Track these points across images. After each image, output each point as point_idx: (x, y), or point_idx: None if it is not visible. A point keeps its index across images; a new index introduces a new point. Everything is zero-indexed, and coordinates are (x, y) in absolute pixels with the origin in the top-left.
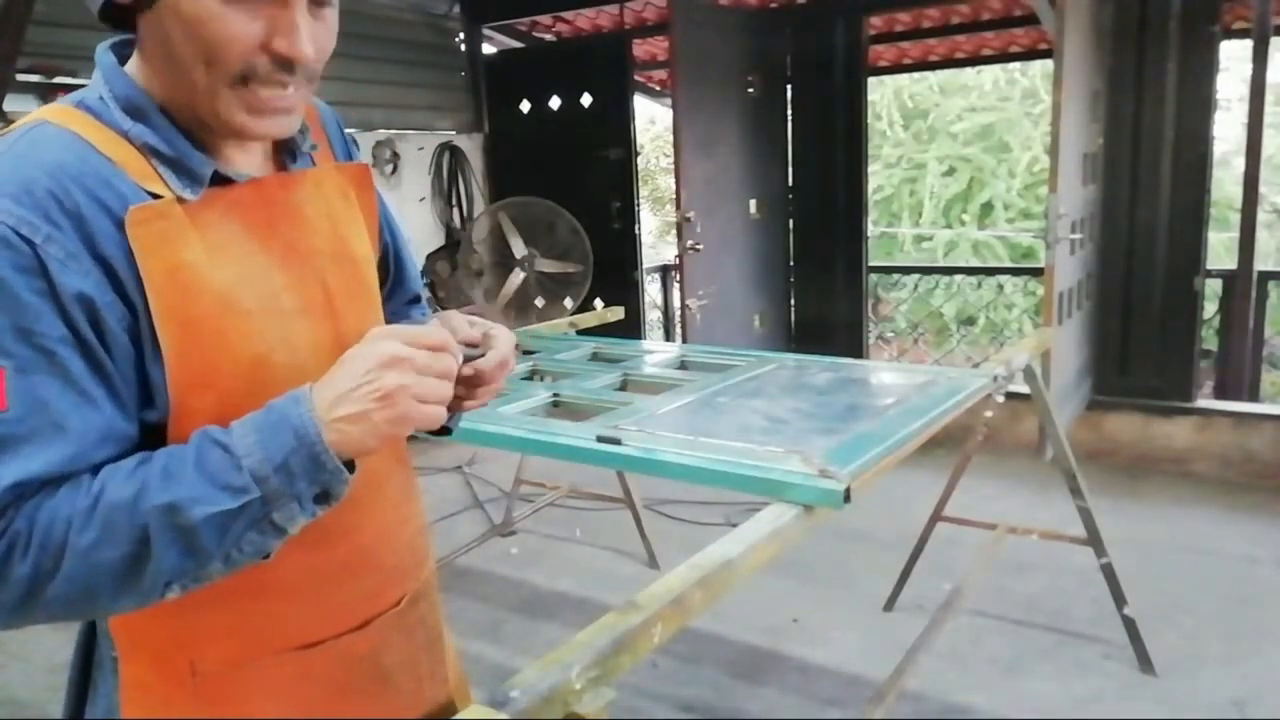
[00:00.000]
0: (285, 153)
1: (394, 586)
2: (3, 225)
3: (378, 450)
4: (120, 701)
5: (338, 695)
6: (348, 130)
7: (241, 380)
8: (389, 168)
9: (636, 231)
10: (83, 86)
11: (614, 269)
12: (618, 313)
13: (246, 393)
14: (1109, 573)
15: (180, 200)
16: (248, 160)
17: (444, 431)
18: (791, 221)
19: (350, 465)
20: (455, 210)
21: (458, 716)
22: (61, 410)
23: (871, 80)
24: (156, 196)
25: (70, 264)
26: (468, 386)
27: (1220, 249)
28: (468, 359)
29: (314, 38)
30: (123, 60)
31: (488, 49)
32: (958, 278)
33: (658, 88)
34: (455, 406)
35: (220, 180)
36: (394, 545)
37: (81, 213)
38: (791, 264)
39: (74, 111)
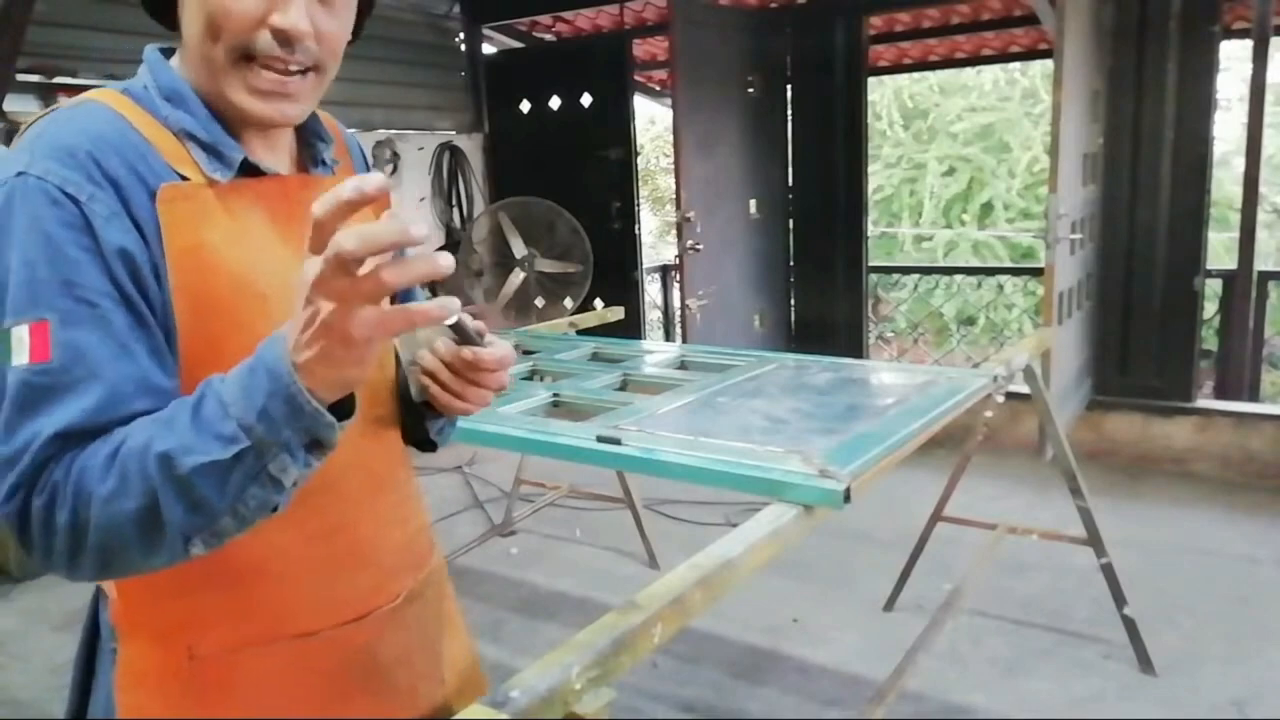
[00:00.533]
0: (308, 159)
1: (391, 583)
2: (49, 184)
3: (361, 380)
4: (115, 685)
5: (333, 686)
6: (349, 130)
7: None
8: (389, 168)
9: (636, 231)
10: (84, 87)
11: (614, 269)
12: (618, 313)
13: None
14: (1109, 573)
15: (212, 183)
16: (275, 160)
17: (430, 446)
18: (791, 221)
19: (348, 411)
20: (455, 210)
21: (458, 716)
22: (99, 360)
23: (871, 80)
24: (185, 179)
25: (113, 221)
26: (463, 374)
27: (1220, 249)
28: (468, 338)
29: (314, 18)
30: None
31: (488, 49)
32: (958, 278)
33: (658, 88)
34: (449, 408)
35: (249, 172)
36: (392, 543)
37: (119, 179)
38: (791, 264)
39: (119, 95)
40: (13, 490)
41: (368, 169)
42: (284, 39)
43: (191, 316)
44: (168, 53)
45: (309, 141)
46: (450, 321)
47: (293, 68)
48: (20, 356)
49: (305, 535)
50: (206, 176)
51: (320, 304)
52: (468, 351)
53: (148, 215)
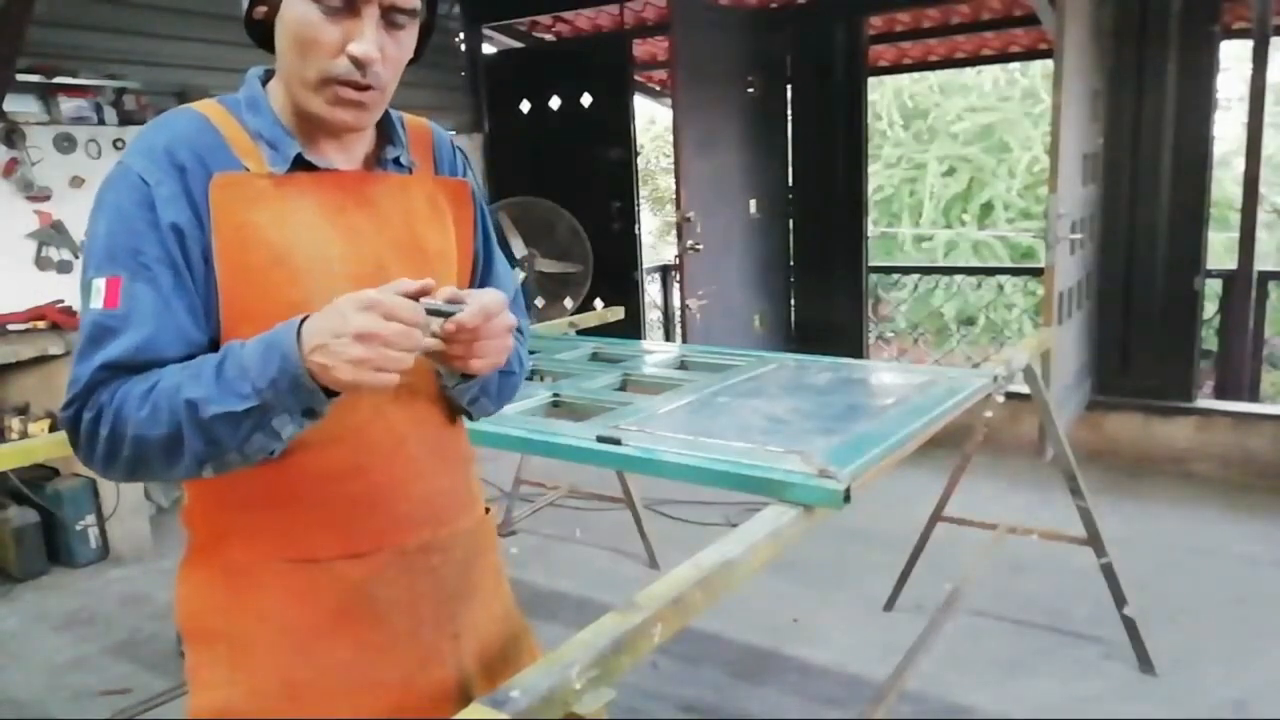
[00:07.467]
0: (378, 160)
1: (402, 531)
2: (133, 171)
3: (345, 391)
4: (177, 577)
5: (332, 612)
6: (446, 133)
7: (281, 320)
8: None
9: (636, 231)
10: (84, 87)
11: (614, 269)
12: (618, 313)
13: None
14: (1109, 573)
15: (272, 175)
16: (346, 159)
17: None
18: (791, 221)
19: (333, 391)
20: None
21: (458, 716)
22: (147, 311)
23: (871, 80)
24: (248, 170)
25: (172, 202)
26: (456, 343)
27: (1220, 249)
28: (443, 313)
29: (382, 46)
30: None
31: (488, 49)
32: (958, 278)
33: (658, 88)
34: (473, 370)
35: (306, 167)
36: (407, 494)
37: (185, 167)
38: (791, 264)
39: (213, 103)
40: (69, 403)
41: (454, 160)
42: (358, 63)
43: (231, 281)
44: (272, 71)
45: (383, 145)
46: (423, 321)
47: (364, 86)
48: (96, 302)
49: (326, 474)
50: (267, 168)
51: (356, 349)
52: (449, 324)
53: (205, 198)
